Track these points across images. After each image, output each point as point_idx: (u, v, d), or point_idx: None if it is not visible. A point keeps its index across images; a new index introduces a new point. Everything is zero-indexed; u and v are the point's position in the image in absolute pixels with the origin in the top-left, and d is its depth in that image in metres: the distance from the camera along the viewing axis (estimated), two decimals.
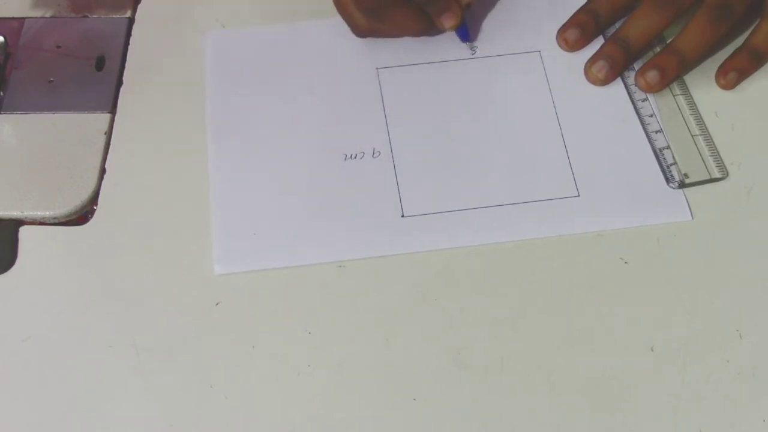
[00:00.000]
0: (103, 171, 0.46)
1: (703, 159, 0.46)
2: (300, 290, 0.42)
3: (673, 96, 0.49)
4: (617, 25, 0.50)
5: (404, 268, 0.43)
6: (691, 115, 0.48)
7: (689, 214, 0.44)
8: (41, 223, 0.44)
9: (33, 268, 0.43)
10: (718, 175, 0.45)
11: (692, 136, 0.47)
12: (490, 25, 0.51)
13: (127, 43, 0.51)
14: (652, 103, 0.48)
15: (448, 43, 0.50)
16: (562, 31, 0.50)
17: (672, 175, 0.45)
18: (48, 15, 0.52)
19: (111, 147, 0.47)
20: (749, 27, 0.50)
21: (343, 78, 0.49)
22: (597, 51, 0.49)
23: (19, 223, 0.44)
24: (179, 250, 0.43)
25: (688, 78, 0.49)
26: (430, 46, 0.50)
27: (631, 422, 0.38)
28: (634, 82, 0.49)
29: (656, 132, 0.47)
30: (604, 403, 0.39)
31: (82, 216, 0.45)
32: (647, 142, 0.47)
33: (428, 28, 0.48)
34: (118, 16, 0.52)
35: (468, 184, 0.45)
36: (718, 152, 0.46)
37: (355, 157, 0.46)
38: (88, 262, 0.43)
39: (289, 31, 0.51)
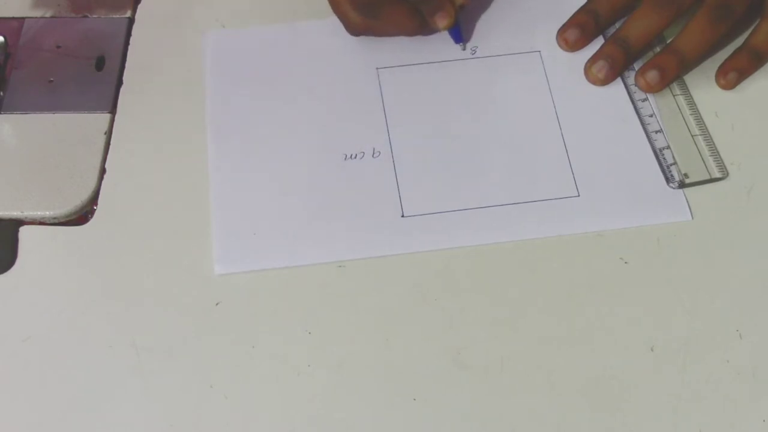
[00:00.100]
0: (103, 171, 0.46)
1: (703, 159, 0.46)
2: (300, 290, 0.42)
3: (673, 96, 0.49)
4: (617, 25, 0.50)
5: (404, 268, 0.43)
6: (691, 115, 0.48)
7: (689, 214, 0.44)
8: (41, 223, 0.44)
9: (33, 268, 0.43)
10: (718, 175, 0.46)
11: (692, 136, 0.47)
12: (490, 25, 0.51)
13: (127, 43, 0.51)
14: (652, 103, 0.48)
15: (448, 43, 0.50)
16: (562, 31, 0.50)
17: (672, 175, 0.45)
18: (48, 15, 0.52)
19: (111, 147, 0.47)
20: (749, 27, 0.50)
21: (343, 78, 0.49)
22: (597, 51, 0.49)
23: (19, 223, 0.44)
24: (179, 250, 0.43)
25: (688, 78, 0.49)
26: (430, 46, 0.50)
27: (631, 422, 0.38)
28: (634, 82, 0.49)
29: (656, 132, 0.47)
30: (604, 403, 0.39)
31: (82, 216, 0.45)
32: (647, 142, 0.47)
33: (422, 27, 0.48)
34: (118, 16, 0.52)
35: (468, 184, 0.45)
36: (718, 152, 0.46)
37: (355, 157, 0.46)
38: (88, 262, 0.43)
39: (289, 31, 0.51)
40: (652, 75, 0.48)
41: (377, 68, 0.49)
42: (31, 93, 0.48)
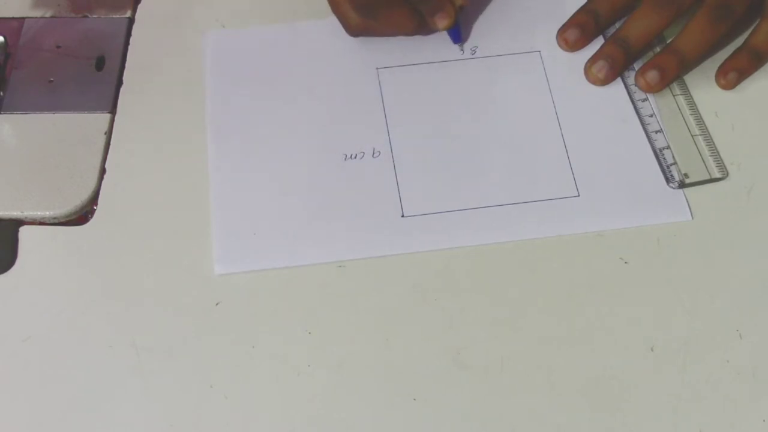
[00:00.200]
0: (103, 171, 0.46)
1: (703, 159, 0.46)
2: (300, 290, 0.42)
3: (673, 96, 0.49)
4: (617, 25, 0.50)
5: (404, 268, 0.43)
6: (691, 115, 0.48)
7: (689, 214, 0.44)
8: (41, 223, 0.44)
9: (33, 268, 0.43)
10: (718, 175, 0.45)
11: (692, 136, 0.47)
12: (490, 25, 0.51)
13: (127, 43, 0.51)
14: (652, 103, 0.48)
15: (448, 43, 0.50)
16: (562, 31, 0.50)
17: (672, 175, 0.45)
18: (48, 15, 0.52)
19: (111, 147, 0.47)
20: (749, 27, 0.50)
21: (343, 78, 0.49)
22: (597, 51, 0.49)
23: (19, 223, 0.44)
24: (179, 250, 0.43)
25: (688, 78, 0.49)
26: (430, 46, 0.50)
27: (631, 422, 0.38)
28: (634, 82, 0.49)
29: (656, 132, 0.47)
30: (604, 403, 0.39)
31: (82, 216, 0.45)
32: (647, 142, 0.47)
33: (421, 27, 0.48)
34: (118, 16, 0.52)
35: (468, 184, 0.45)
36: (718, 152, 0.46)
37: (355, 157, 0.46)
38: (88, 262, 0.43)
39: (289, 31, 0.51)
40: (652, 75, 0.48)
41: (377, 68, 0.49)
42: (31, 93, 0.48)
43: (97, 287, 0.42)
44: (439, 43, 0.50)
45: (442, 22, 0.48)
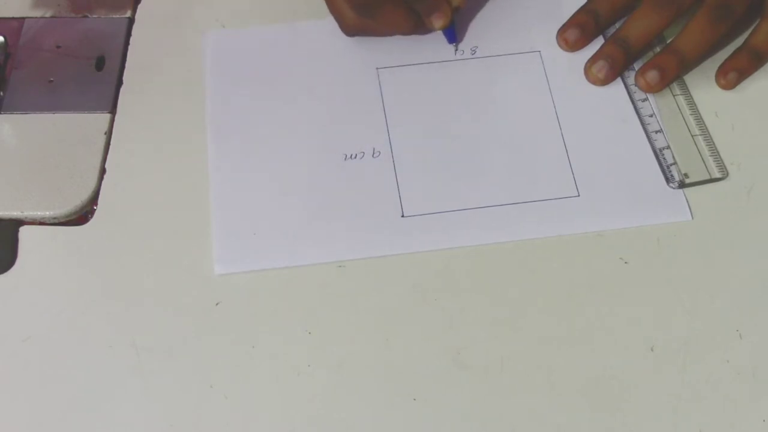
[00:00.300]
0: (103, 171, 0.46)
1: (703, 159, 0.46)
2: (300, 290, 0.42)
3: (673, 96, 0.49)
4: (617, 25, 0.50)
5: (404, 268, 0.43)
6: (691, 115, 0.48)
7: (689, 214, 0.44)
8: (41, 223, 0.44)
9: (33, 268, 0.43)
10: (718, 175, 0.45)
11: (692, 136, 0.47)
12: (490, 25, 0.51)
13: (127, 43, 0.51)
14: (652, 103, 0.48)
15: (447, 43, 0.50)
16: (562, 31, 0.50)
17: (672, 175, 0.45)
18: (48, 15, 0.52)
19: (111, 147, 0.47)
20: (749, 27, 0.50)
21: (343, 78, 0.49)
22: (597, 51, 0.49)
23: (19, 223, 0.44)
24: (179, 250, 0.43)
25: (688, 78, 0.49)
26: (430, 46, 0.50)
27: (631, 422, 0.38)
28: (634, 82, 0.49)
29: (656, 132, 0.47)
30: (604, 403, 0.39)
31: (82, 216, 0.45)
32: (647, 142, 0.47)
33: (417, 26, 0.48)
34: (118, 16, 0.52)
35: (468, 184, 0.45)
36: (718, 152, 0.46)
37: (355, 157, 0.46)
38: (88, 262, 0.43)
39: (289, 31, 0.51)
40: (652, 75, 0.48)
41: (377, 68, 0.49)
42: (31, 93, 0.48)
43: (97, 287, 0.42)
44: (439, 43, 0.50)
45: (439, 21, 0.48)
